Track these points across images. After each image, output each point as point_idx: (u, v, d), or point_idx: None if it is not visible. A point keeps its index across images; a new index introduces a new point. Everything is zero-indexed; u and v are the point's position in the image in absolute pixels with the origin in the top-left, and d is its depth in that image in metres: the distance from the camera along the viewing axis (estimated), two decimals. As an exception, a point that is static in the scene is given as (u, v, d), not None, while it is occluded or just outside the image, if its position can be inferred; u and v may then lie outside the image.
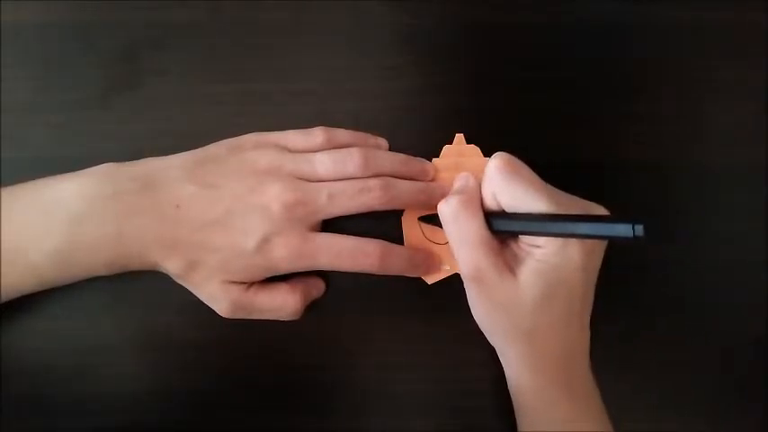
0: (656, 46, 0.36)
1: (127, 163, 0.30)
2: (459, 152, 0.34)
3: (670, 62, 0.36)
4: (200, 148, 0.32)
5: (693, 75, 0.36)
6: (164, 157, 0.31)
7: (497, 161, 0.29)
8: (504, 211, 0.29)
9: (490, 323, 0.30)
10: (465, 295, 0.31)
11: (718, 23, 0.36)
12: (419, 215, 0.33)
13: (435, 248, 0.33)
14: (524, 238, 0.29)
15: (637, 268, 0.34)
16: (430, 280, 0.33)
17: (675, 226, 0.35)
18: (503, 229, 0.29)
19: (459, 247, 0.29)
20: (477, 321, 0.31)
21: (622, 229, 0.24)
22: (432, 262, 0.33)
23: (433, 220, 0.32)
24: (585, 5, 0.36)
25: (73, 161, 0.30)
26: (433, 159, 0.34)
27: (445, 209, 0.30)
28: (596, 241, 0.29)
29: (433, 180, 0.33)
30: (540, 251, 0.28)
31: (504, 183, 0.29)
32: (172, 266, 0.29)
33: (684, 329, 0.35)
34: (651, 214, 0.35)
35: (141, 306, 0.33)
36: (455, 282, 0.33)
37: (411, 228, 0.33)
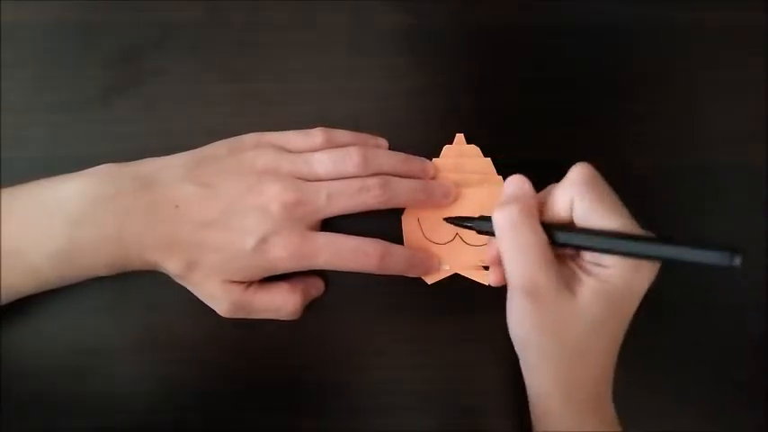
0: (656, 46, 0.36)
1: (127, 163, 0.30)
2: (459, 152, 0.34)
3: (670, 62, 0.36)
4: (199, 148, 0.32)
5: (693, 75, 0.36)
6: (163, 158, 0.31)
7: (586, 169, 0.28)
8: (571, 223, 0.28)
9: (533, 338, 0.28)
10: (465, 296, 0.31)
11: (718, 23, 0.36)
12: (419, 215, 0.33)
13: (435, 248, 0.33)
14: (588, 257, 0.28)
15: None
16: (430, 280, 0.33)
17: (675, 226, 0.35)
18: (573, 243, 0.27)
19: (515, 258, 0.28)
20: (513, 333, 0.29)
21: (718, 258, 0.23)
22: (432, 262, 0.33)
23: (461, 222, 0.32)
24: (586, 6, 0.36)
25: (73, 161, 0.30)
26: (434, 159, 0.34)
27: (502, 218, 0.28)
28: (658, 266, 0.27)
29: (433, 179, 0.33)
30: (605, 272, 0.27)
31: (587, 192, 0.27)
32: (171, 266, 0.29)
33: (684, 329, 0.35)
34: (651, 214, 0.35)
35: (141, 306, 0.33)
36: (455, 282, 0.33)
37: (411, 228, 0.33)
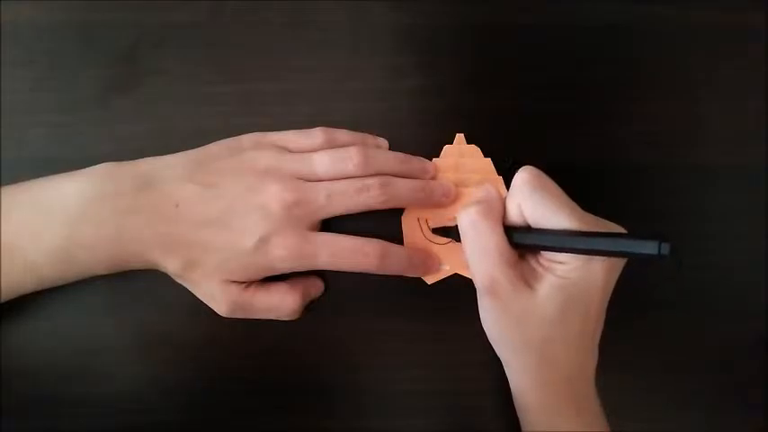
0: (656, 46, 0.36)
1: (126, 162, 0.30)
2: (459, 152, 0.34)
3: (670, 62, 0.36)
4: (199, 148, 0.32)
5: (693, 75, 0.36)
6: (163, 157, 0.31)
7: (525, 174, 0.29)
8: (528, 225, 0.29)
9: (500, 335, 0.30)
10: (465, 295, 0.31)
11: (718, 23, 0.36)
12: (419, 215, 0.33)
13: (435, 248, 0.33)
14: (546, 254, 0.29)
15: (636, 267, 0.34)
16: (430, 280, 0.33)
17: (675, 226, 0.35)
18: (525, 242, 0.29)
19: (476, 257, 0.29)
20: (486, 332, 0.30)
21: (648, 247, 0.24)
22: (431, 262, 0.33)
23: (447, 233, 0.32)
24: (585, 6, 0.35)
25: (73, 161, 0.30)
26: (434, 159, 0.34)
27: (464, 218, 0.29)
28: (616, 261, 0.28)
29: (433, 179, 0.33)
30: (561, 267, 0.28)
31: (531, 196, 0.28)
32: (171, 266, 0.29)
33: (684, 329, 0.35)
34: (651, 214, 0.35)
35: (141, 306, 0.33)
36: (455, 282, 0.33)
37: (411, 228, 0.33)
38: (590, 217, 0.29)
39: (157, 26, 0.35)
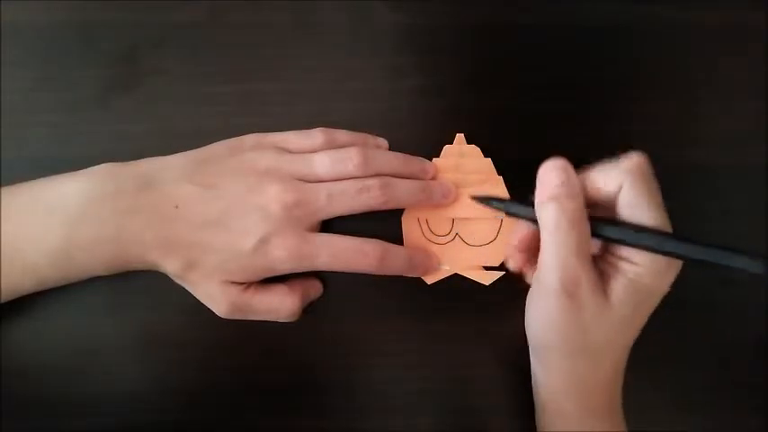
0: (656, 46, 0.36)
1: (126, 163, 0.30)
2: (459, 152, 0.34)
3: (670, 62, 0.36)
4: (199, 149, 0.32)
5: (693, 75, 0.36)
6: (163, 157, 0.31)
7: (642, 160, 0.27)
8: (613, 218, 0.27)
9: (555, 338, 0.28)
10: (465, 295, 0.31)
11: (718, 23, 0.36)
12: (419, 215, 0.33)
13: (435, 248, 0.33)
14: (620, 252, 0.27)
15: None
16: (430, 280, 0.33)
17: (676, 226, 0.35)
18: (615, 237, 0.27)
19: (562, 252, 0.27)
20: (534, 333, 0.29)
21: (754, 265, 0.23)
22: (431, 262, 0.33)
23: (489, 201, 0.32)
24: (585, 6, 0.35)
25: (73, 161, 0.30)
26: (434, 159, 0.34)
27: (554, 213, 0.27)
28: (679, 269, 0.27)
29: (433, 179, 0.33)
30: (634, 269, 0.27)
31: (639, 183, 0.27)
32: (170, 266, 0.29)
33: (684, 329, 0.35)
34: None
35: (141, 306, 0.33)
36: (455, 282, 0.33)
37: (411, 228, 0.33)
38: (669, 222, 0.27)
39: (157, 26, 0.35)
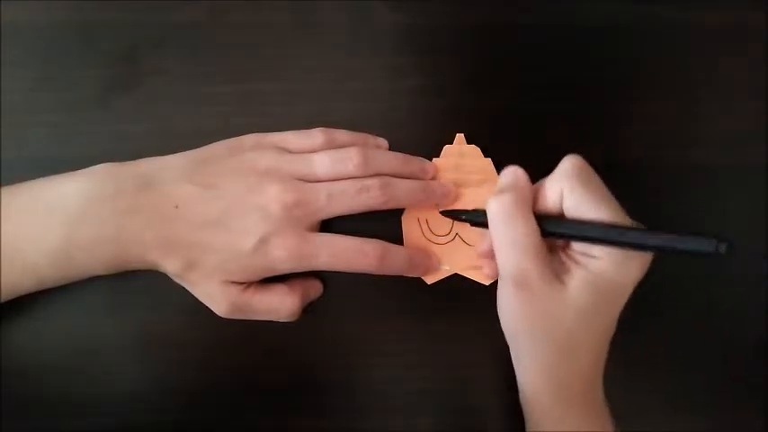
0: (656, 46, 0.36)
1: (126, 163, 0.30)
2: (459, 152, 0.34)
3: (669, 62, 0.36)
4: (199, 149, 0.32)
5: (693, 75, 0.36)
6: (163, 157, 0.31)
7: (574, 161, 0.28)
8: (562, 215, 0.28)
9: (521, 328, 0.29)
10: (465, 295, 0.31)
11: (719, 23, 0.36)
12: (419, 215, 0.33)
13: (435, 248, 0.33)
14: (579, 248, 0.28)
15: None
16: (430, 280, 0.33)
17: (676, 226, 0.35)
18: (561, 232, 0.28)
19: (506, 246, 0.28)
20: (504, 324, 0.29)
21: (705, 245, 0.23)
22: (431, 262, 0.33)
23: (457, 214, 0.32)
24: (585, 6, 0.36)
25: (73, 161, 0.30)
26: (434, 159, 0.34)
27: (496, 207, 0.28)
28: (648, 259, 0.28)
29: (433, 179, 0.33)
30: (596, 263, 0.27)
31: (576, 183, 0.28)
32: (170, 266, 0.29)
33: (684, 329, 0.35)
34: (651, 214, 0.35)
35: (141, 306, 0.33)
36: (455, 282, 0.33)
37: (411, 228, 0.33)
38: (625, 214, 0.28)
39: (157, 26, 0.35)
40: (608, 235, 0.26)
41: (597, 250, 0.27)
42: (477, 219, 0.31)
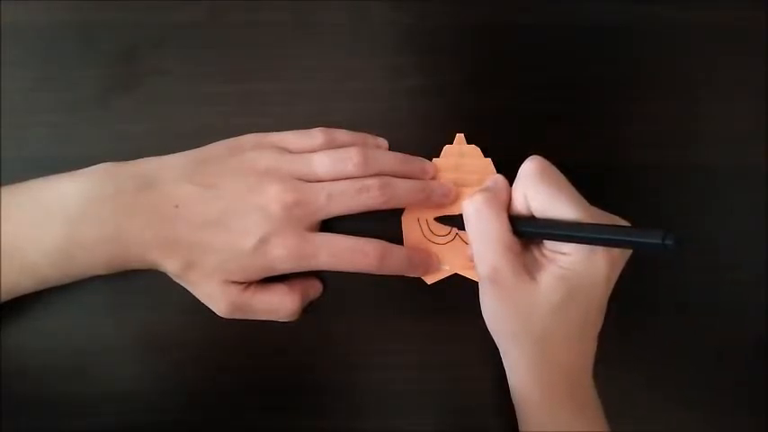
0: (656, 46, 0.36)
1: (126, 162, 0.30)
2: (459, 152, 0.34)
3: (669, 62, 0.36)
4: (199, 148, 0.32)
5: (693, 75, 0.36)
6: (163, 157, 0.31)
7: (533, 163, 0.29)
8: (532, 215, 0.29)
9: (500, 325, 0.30)
10: (465, 295, 0.31)
11: (719, 23, 0.36)
12: (419, 215, 0.33)
13: (435, 248, 0.33)
14: (549, 245, 0.29)
15: (636, 267, 0.34)
16: (429, 280, 0.33)
17: (676, 226, 0.35)
18: (528, 231, 0.29)
19: (479, 245, 0.29)
20: (486, 321, 0.30)
21: (652, 238, 0.24)
22: (431, 262, 0.33)
23: (451, 221, 0.32)
24: (585, 6, 0.36)
25: (73, 161, 0.30)
26: (434, 159, 0.34)
27: (468, 206, 0.30)
28: (619, 254, 0.29)
29: (433, 179, 0.33)
30: (564, 258, 0.28)
31: (537, 186, 0.28)
32: (170, 266, 0.29)
33: (684, 329, 0.35)
34: (651, 214, 0.35)
35: (141, 306, 0.33)
36: (455, 282, 0.33)
37: (411, 227, 0.33)
38: (595, 210, 0.29)
39: (157, 26, 0.35)
40: (567, 231, 0.27)
41: (566, 246, 0.28)
42: (461, 224, 0.31)
